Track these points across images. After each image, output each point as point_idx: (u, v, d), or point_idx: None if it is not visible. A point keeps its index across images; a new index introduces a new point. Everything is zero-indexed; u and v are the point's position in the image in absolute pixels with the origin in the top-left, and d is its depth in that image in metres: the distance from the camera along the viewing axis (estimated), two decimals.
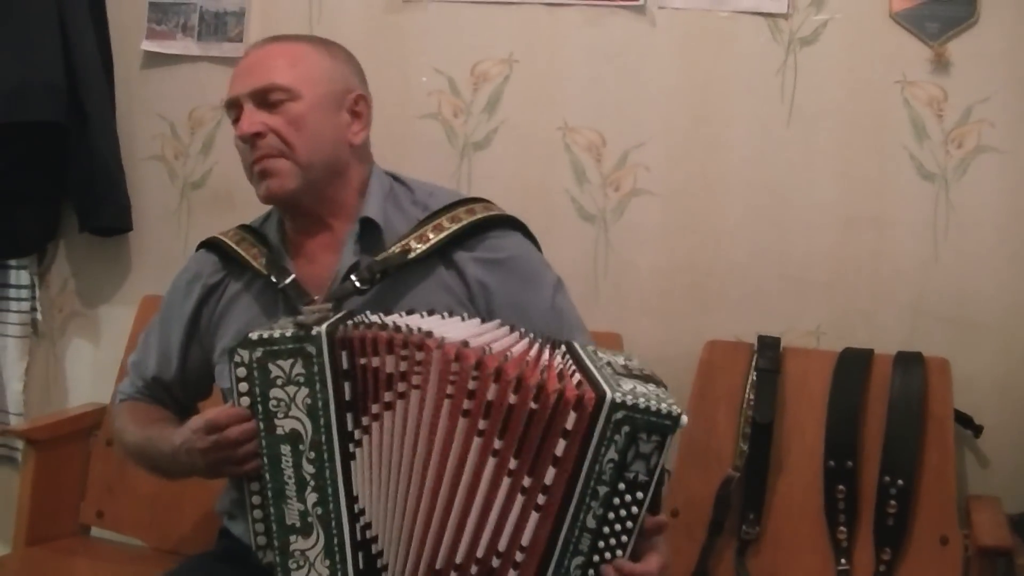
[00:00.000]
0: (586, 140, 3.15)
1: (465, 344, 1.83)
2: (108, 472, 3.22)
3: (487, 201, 2.33)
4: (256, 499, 1.93)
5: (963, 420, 2.84)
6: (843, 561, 2.72)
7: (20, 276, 3.65)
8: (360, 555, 1.90)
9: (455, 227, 2.21)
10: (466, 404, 1.80)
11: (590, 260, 3.14)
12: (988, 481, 2.91)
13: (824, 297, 3.02)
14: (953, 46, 2.91)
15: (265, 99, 2.17)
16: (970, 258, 2.93)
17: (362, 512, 1.90)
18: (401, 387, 1.85)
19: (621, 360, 1.95)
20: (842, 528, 2.73)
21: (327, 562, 1.89)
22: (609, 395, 1.72)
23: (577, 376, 1.82)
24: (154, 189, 3.58)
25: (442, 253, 2.21)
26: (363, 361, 1.89)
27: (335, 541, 1.88)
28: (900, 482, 2.69)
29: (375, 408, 1.88)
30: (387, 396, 1.87)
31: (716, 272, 3.09)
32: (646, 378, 1.86)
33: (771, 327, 2.97)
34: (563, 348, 1.99)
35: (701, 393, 2.91)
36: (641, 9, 3.11)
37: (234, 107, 2.22)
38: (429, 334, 1.85)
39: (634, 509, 1.77)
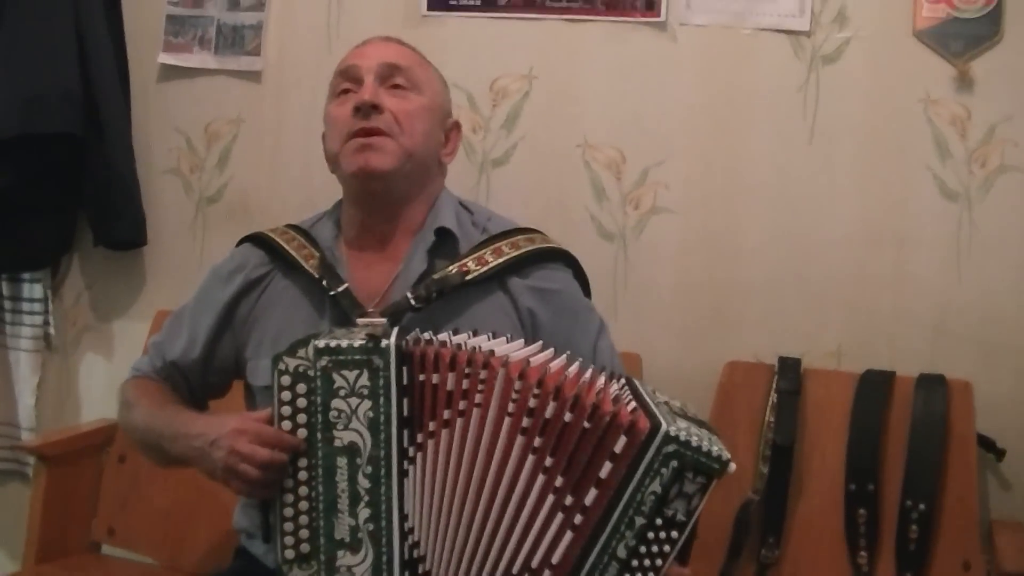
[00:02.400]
0: (606, 157, 3.13)
1: (527, 363, 1.84)
2: (120, 488, 3.20)
3: (543, 234, 2.34)
4: (289, 511, 1.90)
5: (985, 443, 2.81)
6: None
7: (34, 289, 3.64)
8: (407, 574, 1.87)
9: (515, 253, 2.22)
10: (525, 422, 1.80)
11: (609, 278, 3.12)
12: (1011, 505, 2.88)
13: (845, 317, 2.99)
14: (977, 64, 2.89)
15: (391, 77, 2.23)
16: (993, 278, 2.90)
17: (411, 531, 1.87)
18: (462, 405, 1.84)
19: (679, 404, 1.93)
20: (863, 552, 2.70)
21: None
22: (664, 426, 1.72)
23: (633, 404, 1.82)
24: (169, 203, 3.56)
25: (498, 278, 2.20)
26: (422, 377, 1.87)
27: (384, 559, 1.86)
28: (922, 506, 2.66)
29: (432, 425, 1.86)
30: (446, 414, 1.85)
31: (736, 291, 3.06)
32: (700, 423, 1.86)
33: (791, 347, 2.94)
34: (623, 380, 1.97)
35: (721, 414, 2.88)
36: (662, 25, 3.10)
37: (349, 78, 2.25)
38: (492, 352, 1.85)
39: (666, 548, 1.76)
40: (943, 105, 2.92)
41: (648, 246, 3.12)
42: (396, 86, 2.23)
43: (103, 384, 3.61)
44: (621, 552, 1.75)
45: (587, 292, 2.37)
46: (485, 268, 2.18)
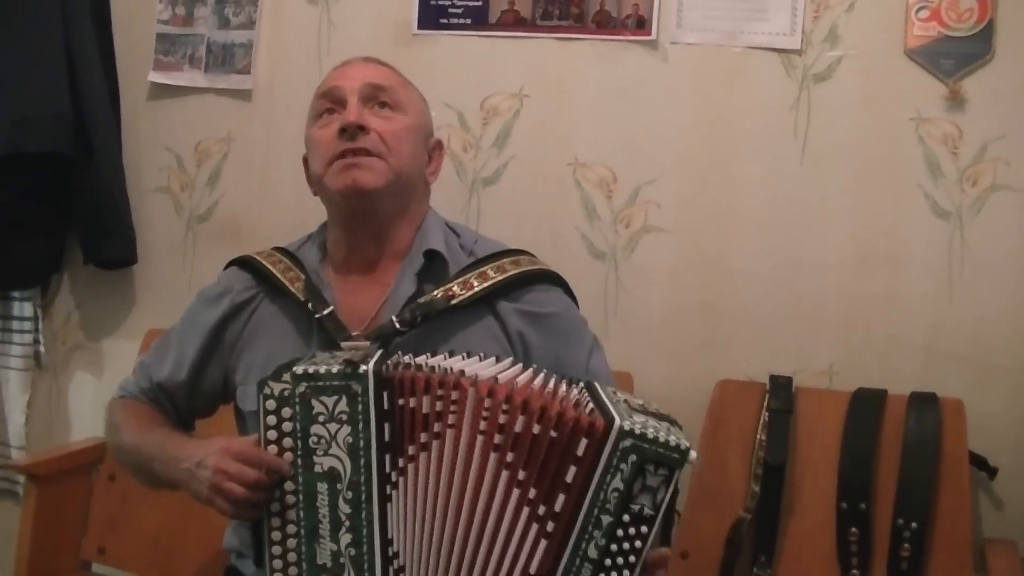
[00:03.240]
0: (597, 176, 3.13)
1: (495, 380, 1.85)
2: (110, 507, 3.19)
3: (531, 255, 2.33)
4: (276, 535, 1.90)
5: (978, 462, 2.81)
6: None
7: (24, 308, 3.64)
8: None
9: (500, 277, 2.21)
10: (497, 439, 1.82)
11: (600, 298, 3.12)
12: (1003, 524, 2.87)
13: (837, 336, 2.99)
14: (968, 83, 2.89)
15: (375, 97, 2.22)
16: (985, 297, 2.90)
17: (396, 555, 1.87)
18: (437, 427, 1.85)
19: (639, 401, 1.95)
20: (855, 571, 2.70)
21: None
22: (618, 422, 1.74)
23: (591, 406, 1.84)
24: (160, 222, 3.56)
25: (486, 301, 2.20)
26: (401, 402, 1.87)
27: None
28: (914, 525, 2.66)
29: (411, 449, 1.86)
30: (423, 437, 1.86)
31: (728, 310, 3.06)
32: (661, 416, 1.87)
33: (783, 367, 2.94)
34: (581, 384, 1.98)
35: (712, 433, 2.88)
36: (653, 44, 3.10)
37: (333, 99, 2.24)
38: (462, 373, 1.86)
39: (637, 543, 1.77)
40: (935, 124, 2.92)
41: (639, 265, 3.12)
42: (381, 106, 2.22)
43: (93, 403, 3.60)
44: (592, 552, 1.77)
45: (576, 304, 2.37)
46: (470, 292, 2.17)
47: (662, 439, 1.74)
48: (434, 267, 2.24)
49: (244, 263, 2.36)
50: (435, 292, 2.17)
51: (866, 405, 2.80)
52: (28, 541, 3.05)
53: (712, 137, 3.07)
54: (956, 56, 2.89)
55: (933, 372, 2.91)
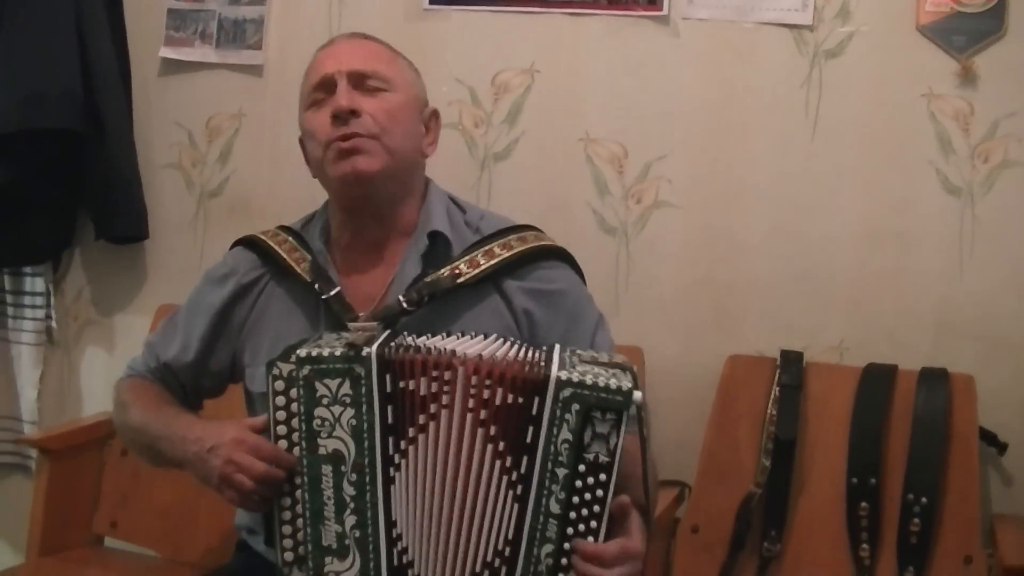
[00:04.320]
0: (608, 152, 3.13)
1: (480, 357, 1.85)
2: (122, 482, 3.20)
3: (538, 230, 2.30)
4: (287, 515, 1.91)
5: (987, 438, 2.81)
6: None
7: (35, 283, 3.64)
8: None
9: (506, 254, 2.19)
10: (483, 414, 1.83)
11: (611, 273, 3.12)
12: (1013, 499, 2.88)
13: (847, 312, 2.99)
14: (980, 59, 2.89)
15: (363, 82, 2.17)
16: (995, 274, 2.90)
17: (399, 537, 1.88)
18: (433, 408, 1.85)
19: (600, 356, 1.95)
20: (864, 546, 2.71)
21: None
22: (554, 373, 1.76)
23: (541, 364, 1.85)
24: (171, 198, 3.57)
25: (492, 279, 2.18)
26: (402, 384, 1.87)
27: (371, 565, 1.86)
28: (924, 500, 2.67)
29: (411, 431, 1.87)
30: (421, 419, 1.86)
31: (738, 286, 3.06)
32: (614, 366, 1.87)
33: (794, 341, 2.95)
34: (545, 349, 1.98)
35: (723, 408, 2.89)
36: (664, 20, 3.10)
37: (323, 87, 2.20)
38: (453, 353, 1.86)
39: (599, 492, 1.78)
40: (946, 100, 2.92)
41: (650, 240, 3.12)
42: (372, 88, 2.18)
43: (104, 378, 3.60)
44: (554, 507, 1.78)
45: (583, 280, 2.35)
46: (477, 271, 2.16)
47: (602, 383, 1.74)
48: (438, 247, 2.22)
49: (250, 243, 2.35)
50: (441, 271, 2.15)
51: (876, 380, 2.81)
52: (40, 516, 3.05)
53: (723, 113, 3.07)
54: (968, 32, 2.89)
55: (943, 348, 2.91)
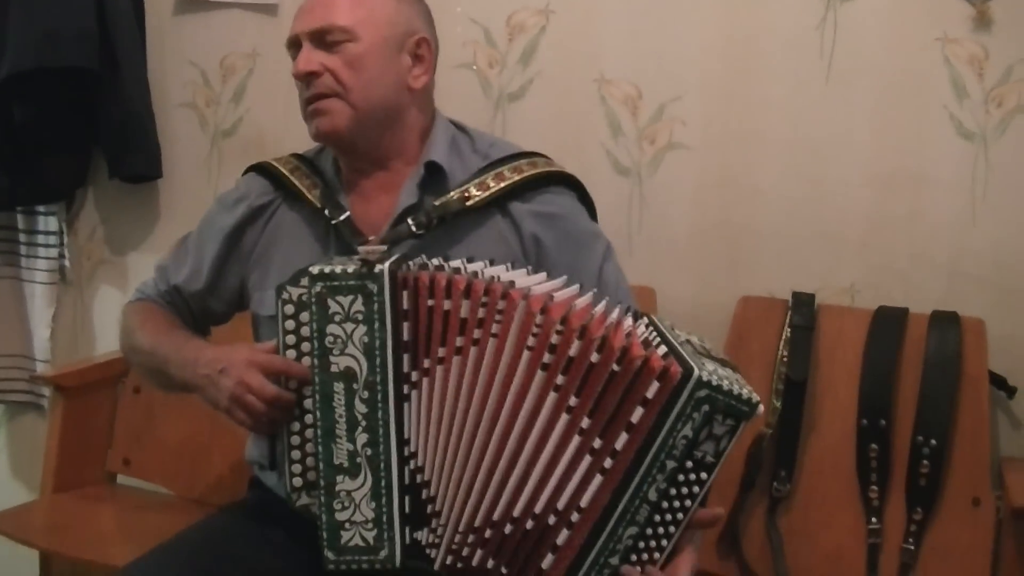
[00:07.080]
0: (622, 93, 3.13)
1: (551, 298, 1.84)
2: (136, 420, 3.23)
3: (547, 157, 2.31)
4: (295, 439, 1.93)
5: (997, 381, 2.82)
6: (874, 520, 2.71)
7: (49, 222, 3.65)
8: (407, 499, 1.89)
9: (517, 177, 2.20)
10: (546, 358, 1.80)
11: (624, 214, 3.13)
12: (1021, 442, 2.88)
13: (859, 255, 2.99)
14: (996, 4, 2.87)
15: (323, 39, 2.16)
16: (1008, 218, 2.89)
17: (413, 455, 1.89)
18: (476, 333, 1.85)
19: (696, 339, 1.94)
20: (874, 487, 2.72)
21: (372, 504, 1.88)
22: (696, 372, 1.72)
23: (663, 348, 1.81)
24: (185, 137, 3.58)
25: (499, 204, 2.19)
26: (431, 303, 1.88)
27: (383, 483, 1.88)
28: (933, 442, 2.68)
29: (441, 352, 1.87)
30: (458, 341, 1.86)
31: (751, 228, 3.06)
32: (723, 362, 1.87)
33: (806, 284, 2.94)
34: (645, 319, 1.96)
35: (734, 349, 2.89)
36: None
37: (294, 46, 2.22)
38: (512, 284, 1.85)
39: (695, 488, 1.77)
40: (961, 44, 2.90)
41: (664, 182, 3.12)
42: (332, 43, 2.16)
43: (117, 317, 3.59)
44: (652, 495, 1.77)
45: (593, 216, 2.35)
46: (486, 193, 2.17)
47: (735, 391, 1.73)
48: (437, 177, 2.23)
49: (262, 169, 2.37)
50: (451, 194, 2.17)
51: (888, 323, 2.82)
52: (55, 453, 3.09)
53: (738, 55, 3.06)
54: None
55: (955, 292, 2.91)
